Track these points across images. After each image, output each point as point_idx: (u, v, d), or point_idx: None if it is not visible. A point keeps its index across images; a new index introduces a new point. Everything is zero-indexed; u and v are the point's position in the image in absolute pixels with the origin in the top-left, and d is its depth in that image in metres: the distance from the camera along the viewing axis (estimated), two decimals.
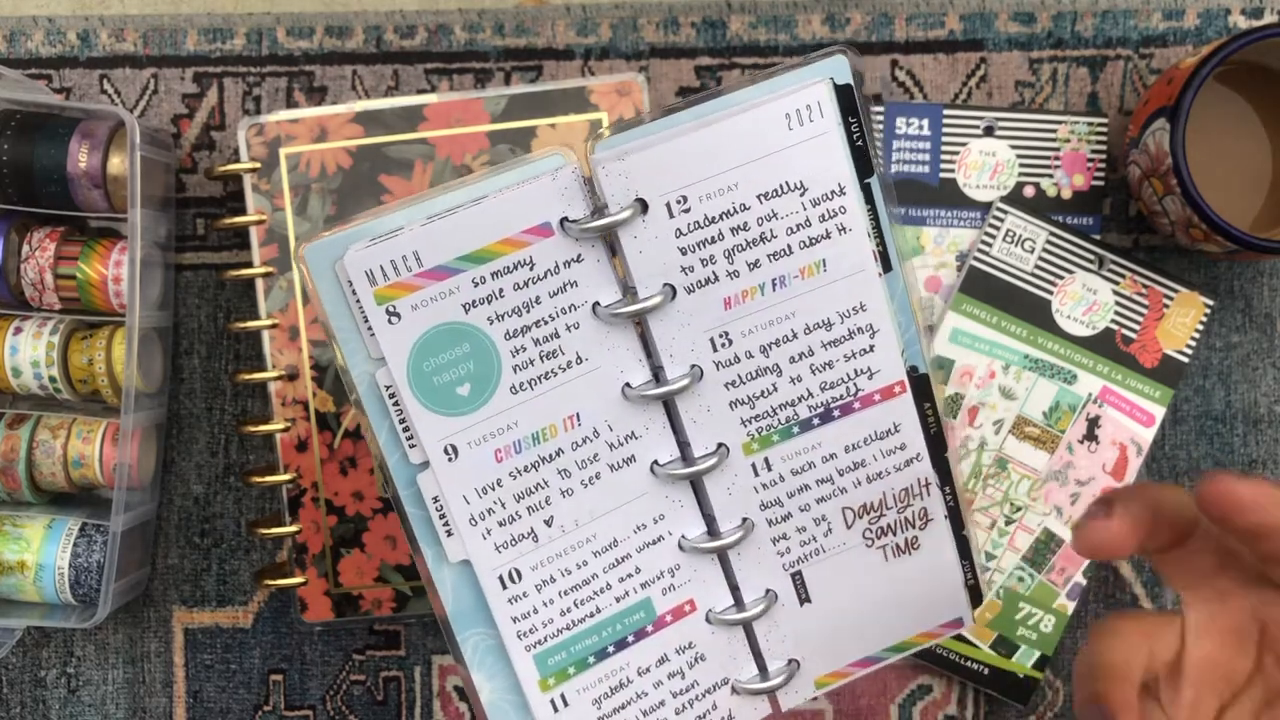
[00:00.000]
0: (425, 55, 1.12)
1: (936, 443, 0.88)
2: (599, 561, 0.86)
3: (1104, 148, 1.10)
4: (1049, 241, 1.08)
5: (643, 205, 0.78)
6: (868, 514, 0.88)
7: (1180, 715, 0.75)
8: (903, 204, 1.09)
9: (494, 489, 0.83)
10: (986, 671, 1.10)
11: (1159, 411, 1.09)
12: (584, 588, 0.86)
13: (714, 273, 0.81)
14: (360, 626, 1.12)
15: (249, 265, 1.06)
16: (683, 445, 0.85)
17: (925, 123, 1.10)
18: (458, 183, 0.79)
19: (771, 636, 0.90)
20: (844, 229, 0.82)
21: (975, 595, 0.93)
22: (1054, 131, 1.09)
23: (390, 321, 0.78)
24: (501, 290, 0.79)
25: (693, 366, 0.83)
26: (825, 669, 0.92)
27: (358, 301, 0.78)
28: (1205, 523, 0.74)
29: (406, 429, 0.81)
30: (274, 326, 1.06)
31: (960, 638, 1.09)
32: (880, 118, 1.10)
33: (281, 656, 1.13)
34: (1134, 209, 1.11)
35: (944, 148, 1.10)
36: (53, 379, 1.05)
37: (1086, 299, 1.08)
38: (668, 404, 0.84)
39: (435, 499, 0.82)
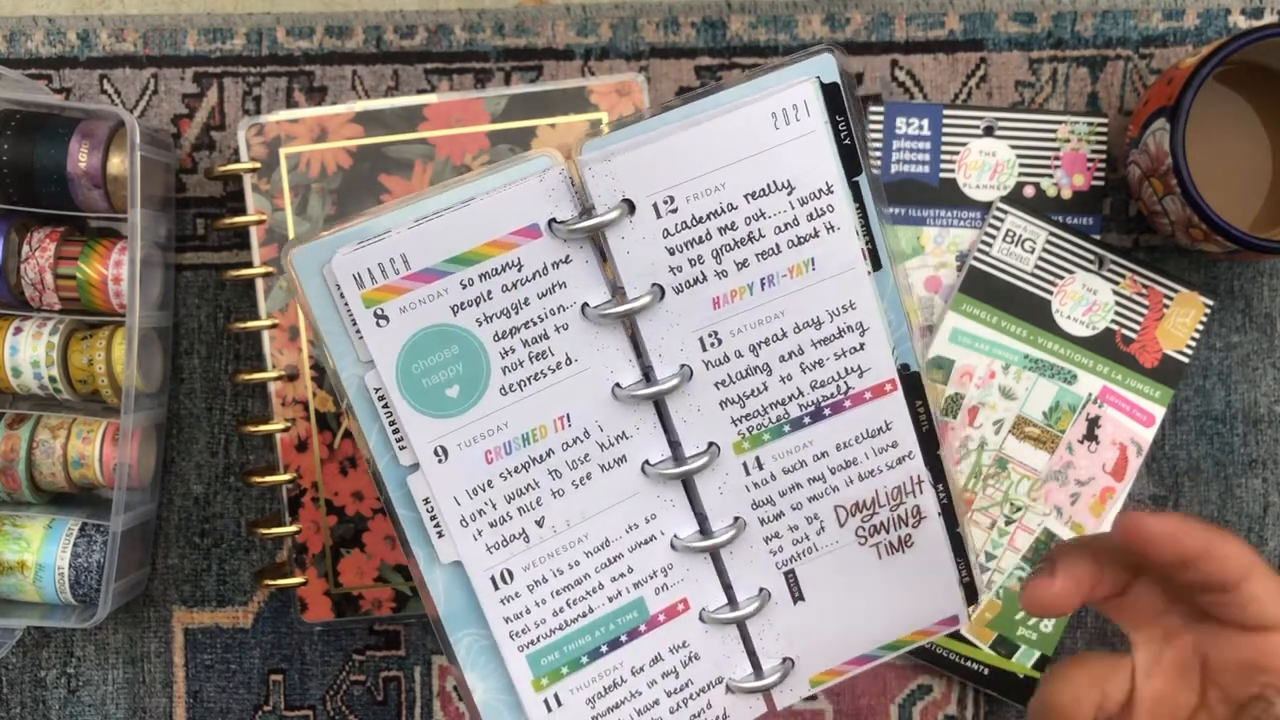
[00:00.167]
0: (425, 55, 1.12)
1: (929, 440, 0.88)
2: (591, 561, 0.86)
3: (1104, 148, 1.09)
4: (1049, 241, 1.08)
5: (630, 206, 0.79)
6: (860, 512, 0.88)
7: None
8: (903, 204, 1.09)
9: (485, 490, 0.83)
10: (986, 671, 1.10)
11: (1159, 411, 1.08)
12: (576, 588, 0.86)
13: (702, 272, 0.81)
14: (360, 626, 1.13)
15: (249, 265, 1.07)
16: (674, 445, 0.85)
17: (925, 123, 1.10)
18: (445, 185, 0.79)
19: (765, 635, 0.90)
20: (832, 228, 0.81)
21: (970, 593, 0.92)
22: (1054, 131, 1.09)
23: (379, 324, 0.78)
24: (490, 292, 0.79)
25: (682, 366, 0.83)
26: (820, 667, 0.92)
27: (346, 305, 0.78)
28: (1146, 567, 0.79)
29: (396, 431, 0.81)
30: (274, 326, 1.06)
31: (960, 638, 1.09)
32: (880, 118, 1.10)
33: (281, 656, 1.13)
34: (1134, 209, 1.10)
35: (944, 148, 1.09)
36: (53, 379, 1.05)
37: (1086, 299, 1.08)
38: (658, 404, 0.84)
39: (426, 500, 0.82)
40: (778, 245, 0.81)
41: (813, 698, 1.08)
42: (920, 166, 1.09)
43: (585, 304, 0.81)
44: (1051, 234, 1.08)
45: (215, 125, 1.13)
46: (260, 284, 1.07)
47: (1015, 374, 1.08)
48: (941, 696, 1.12)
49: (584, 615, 0.86)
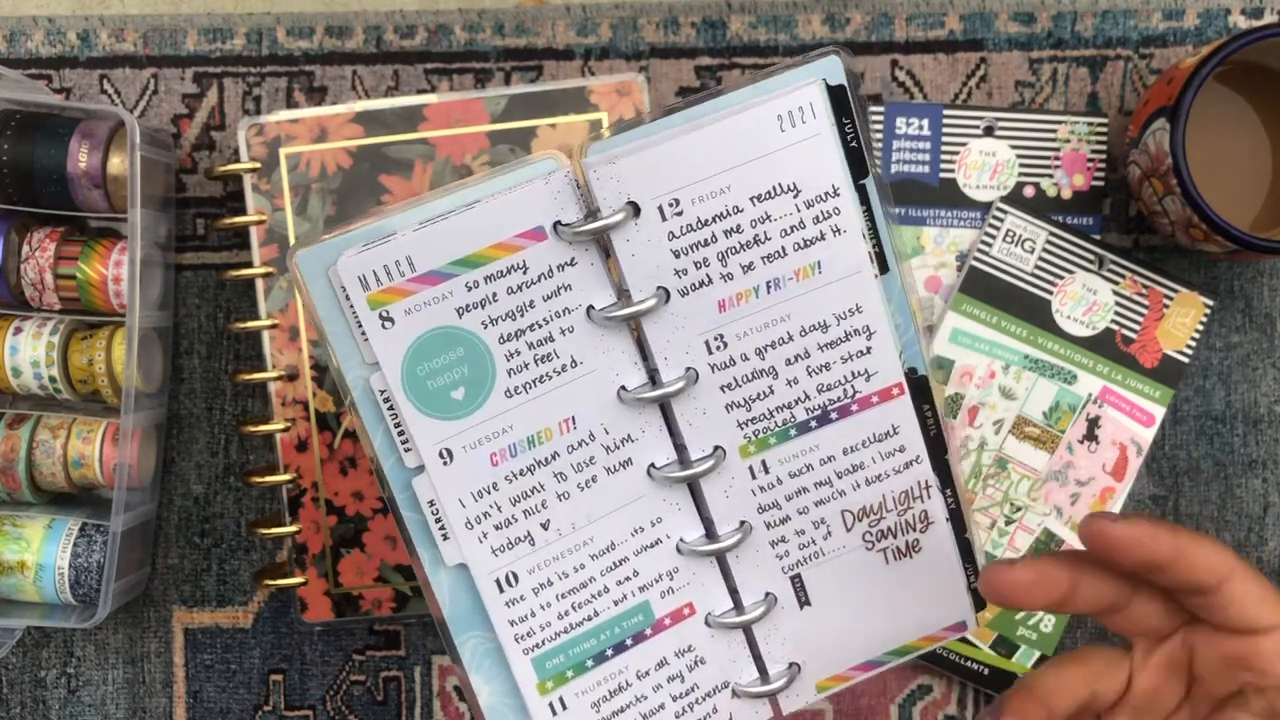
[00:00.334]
0: (425, 55, 1.12)
1: (937, 445, 0.88)
2: (596, 565, 0.85)
3: (1104, 148, 1.09)
4: (1049, 241, 1.08)
5: (635, 208, 0.78)
6: (867, 517, 0.88)
7: None
8: (903, 204, 1.09)
9: (490, 492, 0.83)
10: (986, 671, 1.10)
11: (1159, 411, 1.09)
12: (581, 591, 0.86)
13: (707, 275, 0.81)
14: (360, 626, 1.13)
15: (249, 265, 1.06)
16: (679, 448, 0.85)
17: (925, 123, 1.10)
18: (450, 187, 0.78)
19: (771, 640, 0.90)
20: (838, 230, 0.81)
21: (978, 598, 0.92)
22: (1054, 131, 1.09)
23: (384, 326, 0.78)
24: (495, 294, 0.79)
25: (688, 369, 0.83)
26: (826, 672, 0.92)
27: (351, 307, 0.78)
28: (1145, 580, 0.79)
29: (401, 433, 0.81)
30: (274, 326, 1.06)
31: (960, 638, 1.09)
32: (880, 118, 1.10)
33: (281, 656, 1.13)
34: (1134, 209, 1.10)
35: (944, 148, 1.10)
36: (53, 379, 1.05)
37: (1086, 299, 1.08)
38: (664, 407, 0.84)
39: (431, 503, 0.82)
40: (783, 248, 0.81)
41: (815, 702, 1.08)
42: (920, 166, 1.10)
43: (590, 307, 0.81)
44: (1051, 234, 1.08)
45: (215, 125, 1.12)
46: (260, 284, 1.07)
47: (1015, 374, 1.08)
48: (941, 696, 1.12)
49: (589, 619, 0.86)
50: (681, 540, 0.87)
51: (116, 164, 1.04)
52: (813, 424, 0.85)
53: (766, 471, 0.86)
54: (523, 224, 0.78)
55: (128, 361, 1.03)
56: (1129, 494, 1.09)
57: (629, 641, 0.88)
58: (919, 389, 0.86)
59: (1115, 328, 1.08)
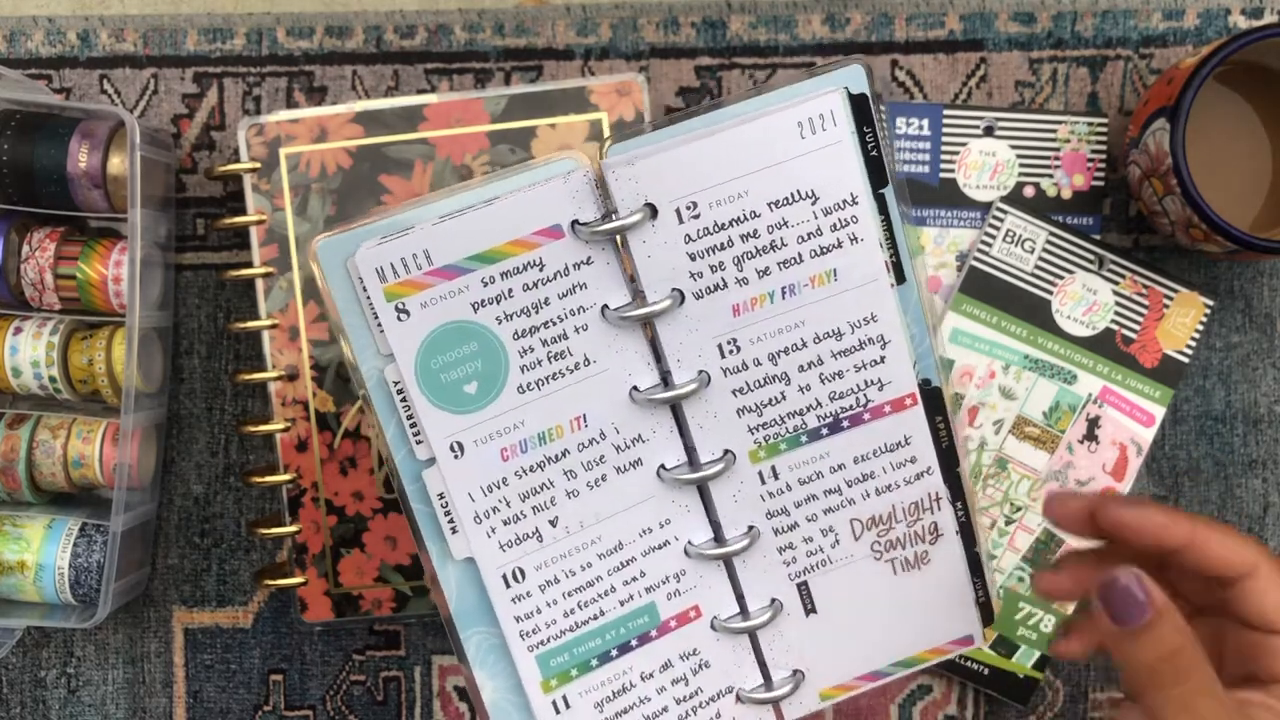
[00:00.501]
0: (425, 55, 1.12)
1: (949, 457, 0.88)
2: (603, 564, 0.86)
3: (1104, 148, 1.10)
4: (1049, 241, 1.08)
5: (652, 210, 0.79)
6: (876, 526, 0.88)
7: None
8: None
9: (499, 487, 0.83)
10: (986, 671, 1.10)
11: (1159, 411, 1.09)
12: (588, 590, 0.86)
13: (723, 279, 0.81)
14: (360, 626, 1.13)
15: (249, 265, 1.06)
16: (689, 450, 0.85)
17: (925, 123, 1.10)
18: (469, 184, 0.79)
19: (776, 646, 0.90)
20: (856, 239, 0.81)
21: (987, 613, 0.93)
22: (1054, 131, 1.09)
23: (399, 318, 0.79)
24: (511, 290, 0.79)
25: (700, 372, 0.83)
26: (831, 681, 0.92)
27: (368, 298, 0.78)
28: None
29: (413, 425, 0.81)
30: (274, 326, 1.06)
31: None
32: None
33: (281, 656, 1.13)
34: (1134, 209, 1.11)
35: (944, 148, 1.10)
36: (53, 379, 1.05)
37: (1086, 299, 1.08)
38: (675, 409, 0.84)
39: (441, 495, 0.83)
40: (800, 254, 0.81)
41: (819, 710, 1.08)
42: (920, 167, 1.10)
43: (605, 306, 0.81)
44: (1051, 234, 1.08)
45: (215, 125, 1.12)
46: (260, 284, 1.06)
47: (1015, 374, 1.08)
48: (941, 696, 1.12)
49: (595, 618, 0.87)
50: (689, 543, 0.87)
51: (116, 164, 1.03)
52: (824, 431, 0.85)
53: (776, 477, 0.86)
54: (540, 222, 0.79)
55: (128, 361, 1.03)
56: (1129, 494, 1.09)
57: (634, 642, 0.88)
58: (932, 400, 0.86)
59: (1115, 328, 1.08)
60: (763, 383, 0.84)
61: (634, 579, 0.87)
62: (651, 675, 0.89)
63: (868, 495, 0.87)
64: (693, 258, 0.80)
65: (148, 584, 1.13)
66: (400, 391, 0.80)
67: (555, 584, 0.85)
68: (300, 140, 1.06)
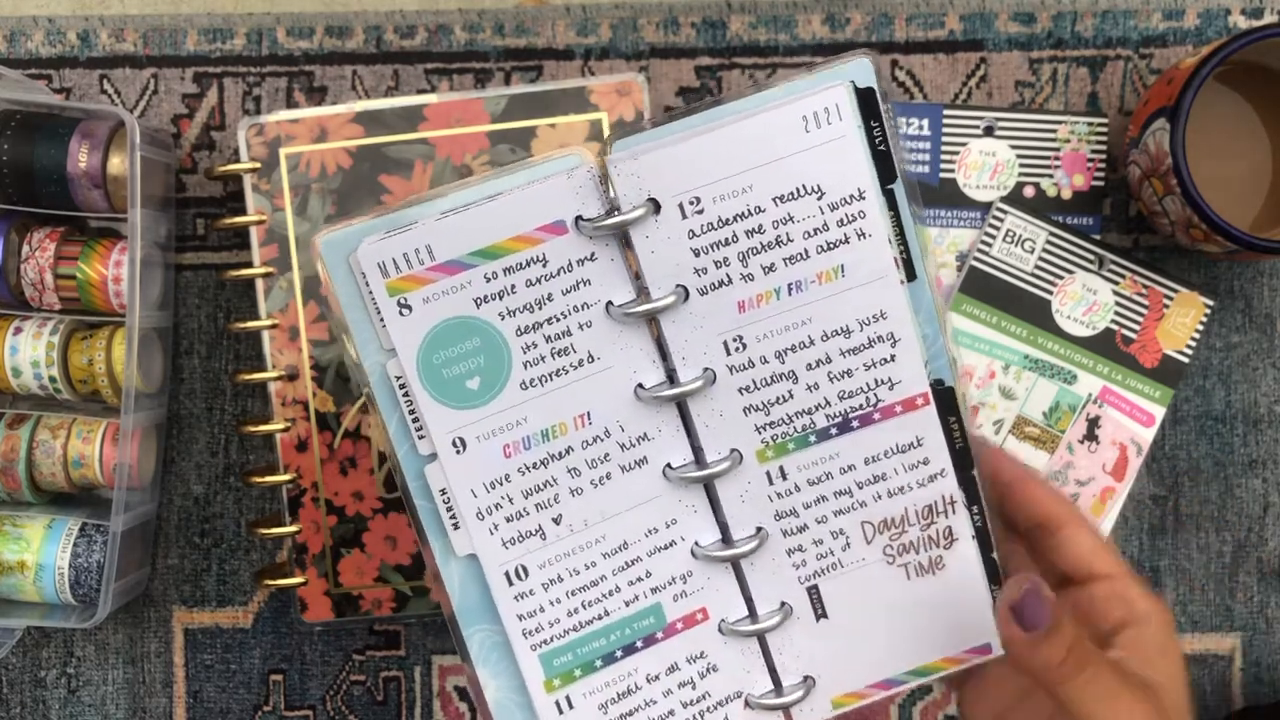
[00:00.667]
0: (425, 55, 1.12)
1: (963, 459, 0.85)
2: (608, 563, 0.85)
3: (1104, 148, 1.10)
4: (1049, 242, 1.08)
5: (655, 205, 0.78)
6: (888, 529, 0.87)
7: None
8: None
9: (502, 484, 0.82)
10: None
11: (1159, 411, 1.09)
12: (592, 589, 0.85)
13: (727, 275, 0.80)
14: (360, 626, 1.13)
15: (249, 265, 1.06)
16: (696, 450, 0.84)
17: (925, 123, 1.10)
18: (472, 180, 0.78)
19: (786, 651, 0.88)
20: (863, 234, 0.80)
21: None
22: (1054, 131, 1.10)
23: (402, 313, 0.78)
24: (513, 286, 0.79)
25: (705, 370, 0.82)
26: (843, 689, 0.90)
27: (370, 293, 0.78)
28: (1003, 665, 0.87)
29: (416, 420, 0.81)
30: (274, 326, 1.06)
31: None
32: None
33: (281, 656, 1.13)
34: (1134, 209, 1.11)
35: (944, 148, 1.10)
36: (53, 379, 1.05)
37: (1086, 299, 1.08)
38: (681, 407, 0.83)
39: (443, 491, 0.82)
40: (806, 250, 0.80)
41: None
42: (920, 166, 1.10)
43: (609, 302, 0.80)
44: (1051, 234, 1.08)
45: (215, 125, 1.12)
46: (260, 284, 1.06)
47: (1015, 374, 1.09)
48: (941, 696, 1.12)
49: (599, 618, 0.86)
50: (696, 544, 0.86)
51: (116, 164, 1.04)
52: (833, 431, 0.84)
53: (784, 478, 0.85)
54: (544, 217, 0.78)
55: (128, 361, 1.03)
56: (1129, 494, 1.09)
57: (639, 644, 0.87)
58: (945, 401, 0.85)
59: (1115, 328, 1.08)
60: (770, 381, 0.83)
61: (639, 579, 0.86)
62: (658, 678, 0.88)
63: (879, 497, 0.85)
64: (697, 253, 0.79)
65: (148, 584, 1.13)
66: (402, 386, 0.80)
67: (559, 582, 0.85)
68: (300, 140, 1.06)
